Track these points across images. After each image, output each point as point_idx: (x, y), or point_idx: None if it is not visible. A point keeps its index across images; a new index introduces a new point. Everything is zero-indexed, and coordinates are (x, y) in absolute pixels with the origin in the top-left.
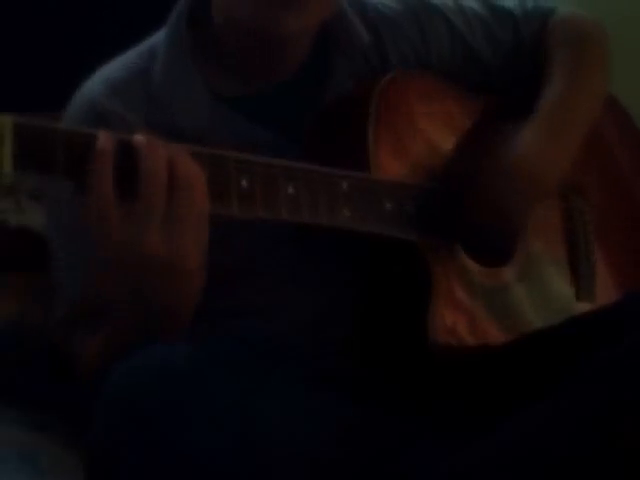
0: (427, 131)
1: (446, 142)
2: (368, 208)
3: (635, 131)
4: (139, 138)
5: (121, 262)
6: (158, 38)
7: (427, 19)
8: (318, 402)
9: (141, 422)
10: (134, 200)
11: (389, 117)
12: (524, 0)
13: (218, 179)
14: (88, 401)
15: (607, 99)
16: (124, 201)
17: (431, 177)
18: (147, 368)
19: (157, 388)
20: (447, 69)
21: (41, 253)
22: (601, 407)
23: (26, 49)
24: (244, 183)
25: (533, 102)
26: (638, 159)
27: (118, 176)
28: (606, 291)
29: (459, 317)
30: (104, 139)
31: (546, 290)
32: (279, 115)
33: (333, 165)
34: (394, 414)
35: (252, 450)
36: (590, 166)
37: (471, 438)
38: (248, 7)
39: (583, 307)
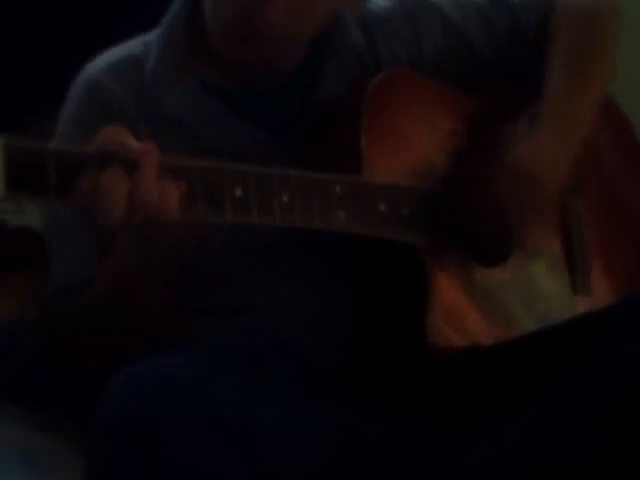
0: (420, 131)
1: (440, 143)
2: (363, 211)
3: (629, 128)
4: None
5: None
6: (155, 33)
7: (420, 15)
8: (318, 404)
9: (141, 430)
10: None
11: (382, 118)
12: None
13: (212, 189)
14: (88, 400)
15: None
16: None
17: (426, 178)
18: (148, 376)
19: (157, 395)
20: (443, 64)
21: (41, 253)
22: (601, 407)
23: (24, 51)
24: (238, 192)
25: (532, 100)
26: (631, 157)
27: None
28: (602, 287)
29: (457, 317)
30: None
31: (543, 288)
32: (266, 114)
33: (326, 165)
34: (394, 414)
35: (253, 456)
36: (585, 164)
37: (471, 438)
38: (220, 31)
39: (580, 302)
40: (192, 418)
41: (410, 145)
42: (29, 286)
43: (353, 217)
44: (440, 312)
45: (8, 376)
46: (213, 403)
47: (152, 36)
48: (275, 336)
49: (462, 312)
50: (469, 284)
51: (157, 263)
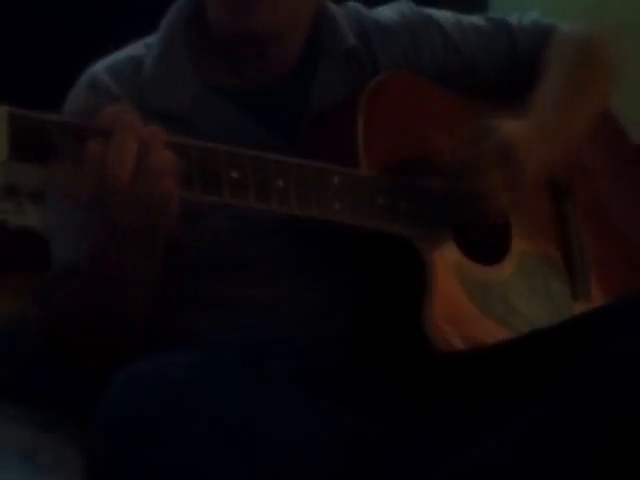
0: (416, 130)
1: (435, 140)
2: (360, 202)
3: (621, 130)
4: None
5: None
6: (156, 36)
7: (421, 28)
8: (318, 404)
9: (141, 430)
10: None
11: (379, 117)
12: (523, 16)
13: (209, 169)
14: (88, 400)
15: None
16: None
17: (422, 174)
18: (148, 376)
19: (157, 395)
20: (442, 76)
21: (41, 253)
22: (601, 407)
23: (26, 51)
24: (235, 174)
25: (523, 102)
26: (627, 166)
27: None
28: (601, 290)
29: (456, 315)
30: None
31: (542, 288)
32: (266, 114)
33: (325, 163)
34: (394, 414)
35: (253, 456)
36: (583, 169)
37: (471, 438)
38: (222, 11)
39: (579, 306)
40: (192, 418)
41: (407, 143)
42: (29, 286)
43: (350, 208)
44: (439, 309)
45: (8, 376)
46: (213, 403)
47: (153, 39)
48: (275, 333)
49: (461, 310)
50: (468, 282)
51: (152, 254)
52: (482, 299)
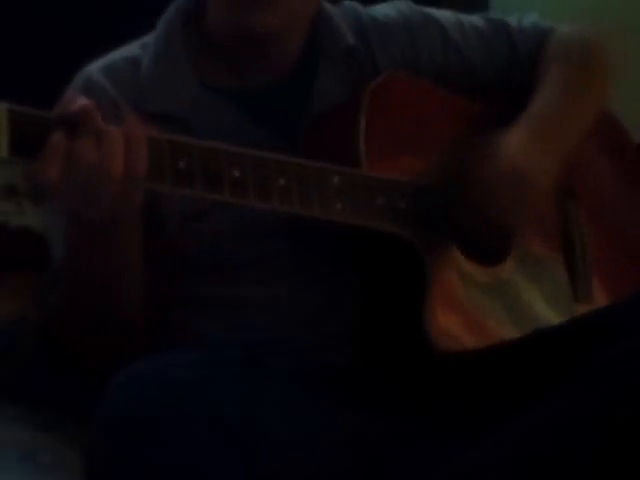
0: (417, 131)
1: (436, 142)
2: (360, 202)
3: (620, 129)
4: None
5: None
6: (152, 36)
7: (420, 26)
8: (318, 404)
9: (141, 430)
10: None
11: (380, 119)
12: (522, 18)
13: (210, 168)
14: (88, 400)
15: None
16: None
17: (422, 176)
18: (148, 376)
19: (157, 395)
20: (441, 76)
21: (41, 253)
22: (601, 407)
23: (26, 51)
24: (236, 173)
25: (523, 106)
26: (628, 166)
27: None
28: (605, 291)
29: (456, 315)
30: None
31: (543, 289)
32: (265, 114)
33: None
34: (394, 414)
35: (253, 456)
36: (584, 170)
37: (471, 438)
38: (224, 10)
39: (581, 307)
40: (192, 418)
41: (407, 144)
42: (29, 286)
43: (351, 208)
44: (439, 309)
45: (8, 376)
46: (213, 403)
47: (149, 38)
48: (275, 333)
49: (461, 310)
50: (469, 282)
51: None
52: (482, 300)
